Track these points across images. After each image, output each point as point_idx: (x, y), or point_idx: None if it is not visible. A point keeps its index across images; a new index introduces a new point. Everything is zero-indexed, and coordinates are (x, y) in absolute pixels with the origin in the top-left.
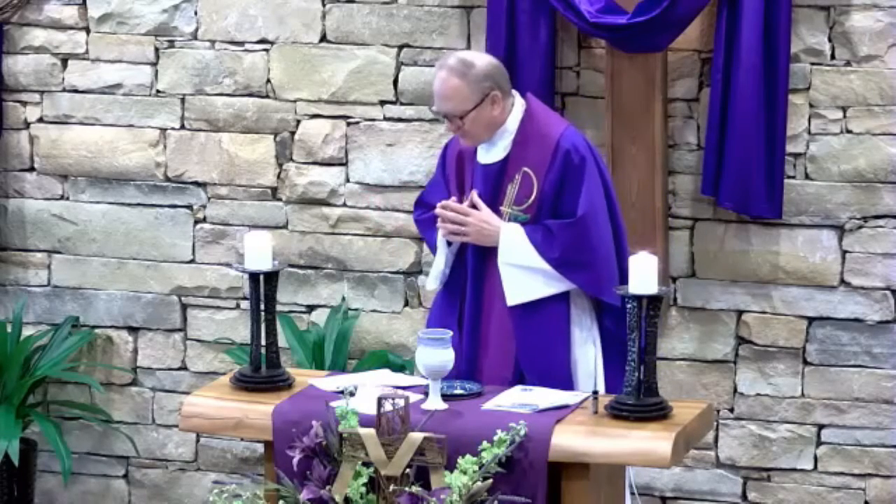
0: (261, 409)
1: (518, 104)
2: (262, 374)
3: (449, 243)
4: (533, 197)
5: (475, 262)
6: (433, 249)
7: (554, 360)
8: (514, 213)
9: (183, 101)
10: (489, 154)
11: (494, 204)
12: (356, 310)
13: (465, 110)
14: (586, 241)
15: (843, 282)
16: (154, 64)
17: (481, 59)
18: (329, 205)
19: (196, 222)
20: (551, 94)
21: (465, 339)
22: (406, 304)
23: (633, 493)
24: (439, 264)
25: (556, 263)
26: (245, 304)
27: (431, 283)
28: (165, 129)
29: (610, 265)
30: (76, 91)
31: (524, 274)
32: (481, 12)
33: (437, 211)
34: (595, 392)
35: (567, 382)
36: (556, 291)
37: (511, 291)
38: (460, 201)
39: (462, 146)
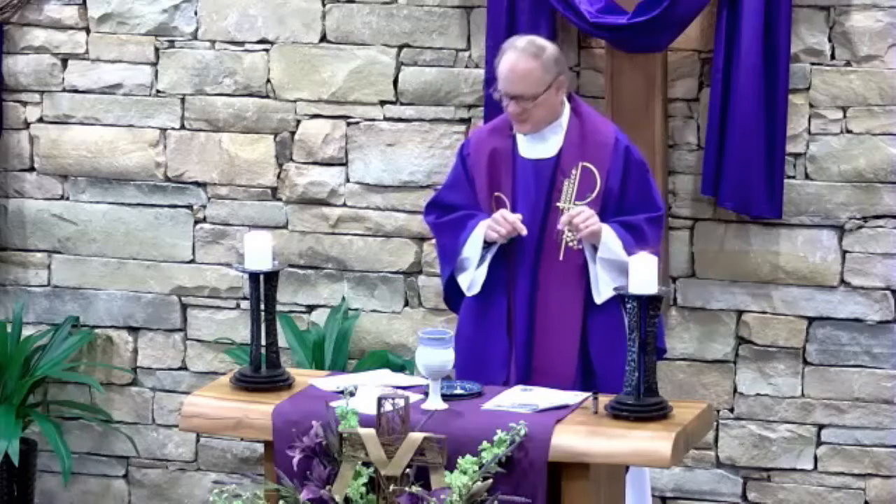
0: (261, 409)
1: (564, 100)
2: (262, 374)
3: (486, 246)
4: (596, 192)
5: (529, 265)
6: (449, 255)
7: (620, 358)
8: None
9: (183, 101)
10: (538, 149)
11: (548, 199)
12: (356, 310)
13: (537, 93)
14: (662, 233)
15: (843, 282)
16: (154, 64)
17: (550, 44)
18: (329, 205)
19: (196, 222)
20: None
21: (518, 342)
22: (406, 304)
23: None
24: (473, 268)
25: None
26: (245, 304)
27: (474, 289)
28: (165, 129)
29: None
30: (76, 91)
31: (613, 269)
32: (481, 12)
33: (563, 218)
34: (595, 392)
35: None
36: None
37: (602, 288)
38: (490, 199)
39: (490, 146)
